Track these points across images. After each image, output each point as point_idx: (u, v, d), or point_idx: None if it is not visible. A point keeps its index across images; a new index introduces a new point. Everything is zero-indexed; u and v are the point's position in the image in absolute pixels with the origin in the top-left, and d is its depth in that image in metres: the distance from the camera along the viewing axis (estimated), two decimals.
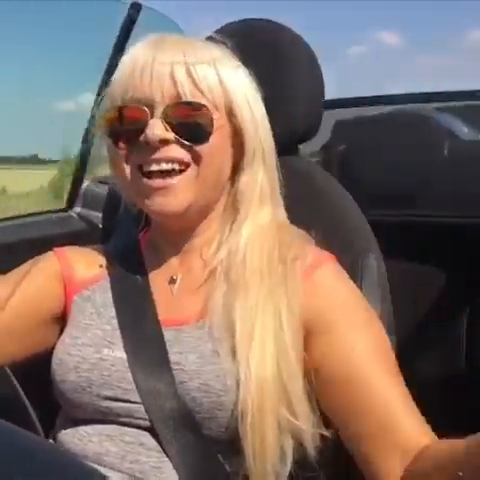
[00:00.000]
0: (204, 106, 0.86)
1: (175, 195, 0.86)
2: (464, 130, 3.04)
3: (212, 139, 0.87)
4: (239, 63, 0.93)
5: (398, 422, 0.82)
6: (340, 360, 0.85)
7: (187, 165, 0.87)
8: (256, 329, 0.84)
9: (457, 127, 2.97)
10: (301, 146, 1.22)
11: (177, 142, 0.86)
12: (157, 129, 0.85)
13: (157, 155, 0.86)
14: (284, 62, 1.11)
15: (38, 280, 0.96)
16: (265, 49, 1.08)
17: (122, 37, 1.71)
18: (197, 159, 0.87)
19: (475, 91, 2.45)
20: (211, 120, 0.86)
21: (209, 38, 0.99)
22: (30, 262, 0.99)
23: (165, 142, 0.86)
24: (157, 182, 0.86)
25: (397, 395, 0.84)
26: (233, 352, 0.83)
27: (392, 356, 0.89)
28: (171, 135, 0.86)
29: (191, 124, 0.86)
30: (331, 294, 0.89)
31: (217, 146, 0.88)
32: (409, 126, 1.99)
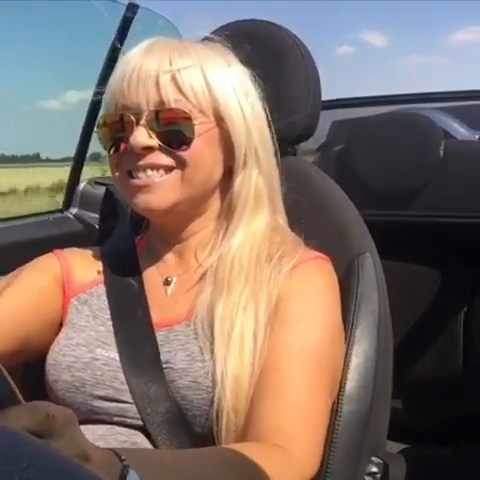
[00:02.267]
0: (185, 112, 0.87)
1: (157, 193, 0.88)
2: (461, 130, 3.05)
3: (195, 144, 0.88)
4: (232, 61, 0.93)
5: (278, 428, 0.78)
6: (272, 348, 0.83)
7: (172, 169, 0.88)
8: (236, 328, 0.84)
9: (454, 127, 2.98)
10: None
11: (160, 149, 0.88)
12: (140, 136, 0.87)
13: (142, 162, 0.88)
14: (281, 63, 1.11)
15: (39, 282, 0.96)
16: (262, 50, 1.08)
17: (119, 37, 1.71)
18: (181, 164, 0.88)
19: (473, 91, 2.46)
20: (192, 126, 0.87)
21: (206, 39, 0.99)
22: (30, 264, 0.99)
23: (149, 149, 0.87)
24: (141, 180, 0.88)
25: (298, 403, 0.80)
26: (213, 350, 0.83)
27: (320, 365, 0.84)
28: (154, 142, 0.87)
29: (173, 131, 0.87)
30: (301, 287, 0.88)
31: (201, 151, 0.88)
32: (406, 126, 1.99)
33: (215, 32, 1.09)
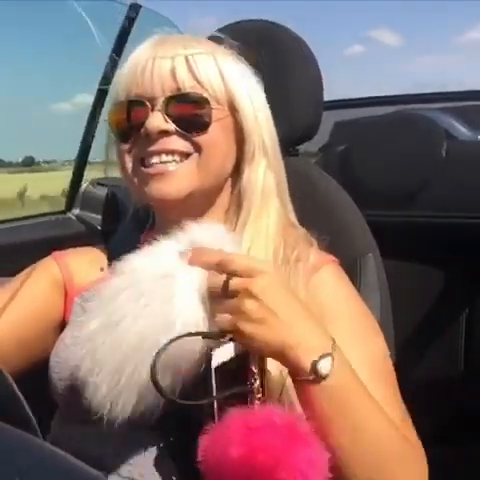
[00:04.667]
0: (203, 97, 0.87)
1: (172, 182, 0.87)
2: (463, 130, 3.05)
3: (211, 130, 0.87)
4: (239, 57, 0.94)
5: None
6: None
7: (187, 156, 0.88)
8: None
9: (456, 127, 2.98)
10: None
11: (177, 133, 0.87)
12: (156, 121, 0.86)
13: (157, 147, 0.87)
14: (284, 63, 1.11)
15: (38, 288, 0.96)
16: (264, 50, 1.08)
17: (121, 38, 1.71)
18: (197, 149, 0.87)
19: (475, 91, 2.46)
20: (210, 111, 0.87)
21: (211, 37, 1.00)
22: (29, 269, 0.99)
23: (165, 133, 0.86)
24: (155, 168, 0.87)
25: (386, 409, 0.81)
26: None
27: (388, 367, 0.87)
28: (171, 126, 0.86)
29: (190, 115, 0.87)
30: (329, 298, 0.88)
31: (217, 137, 0.88)
32: (408, 126, 1.99)
33: (218, 32, 1.09)
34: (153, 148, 0.87)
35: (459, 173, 1.89)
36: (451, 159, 1.92)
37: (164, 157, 0.87)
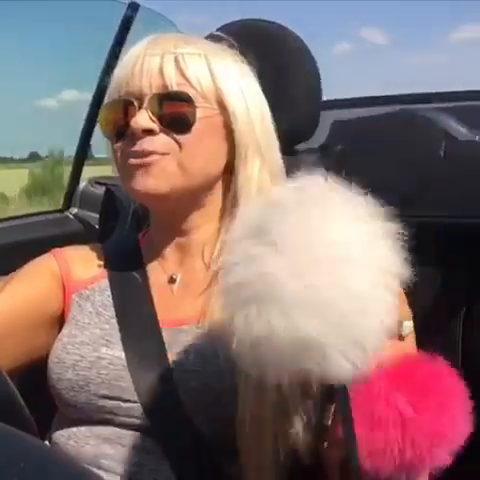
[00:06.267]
0: (187, 95, 0.86)
1: (154, 174, 0.86)
2: (462, 130, 3.04)
3: (195, 129, 0.87)
4: (236, 57, 0.94)
5: None
6: None
7: (170, 154, 0.87)
8: None
9: (455, 128, 2.98)
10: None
11: (162, 132, 0.87)
12: (141, 119, 0.86)
13: (142, 146, 0.86)
14: (282, 62, 1.11)
15: (37, 283, 0.96)
16: (263, 49, 1.08)
17: (120, 37, 1.71)
18: (180, 149, 0.87)
19: (474, 91, 2.45)
20: (194, 110, 0.86)
21: (210, 36, 1.00)
22: (28, 265, 0.99)
23: (149, 132, 0.86)
24: (137, 160, 0.87)
25: None
26: (232, 358, 0.82)
27: None
28: (155, 125, 0.86)
29: (174, 114, 0.87)
30: None
31: (201, 136, 0.88)
32: (407, 126, 1.99)
33: (217, 31, 1.09)
34: (138, 147, 0.87)
35: (458, 173, 1.89)
36: (450, 159, 1.91)
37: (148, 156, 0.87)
